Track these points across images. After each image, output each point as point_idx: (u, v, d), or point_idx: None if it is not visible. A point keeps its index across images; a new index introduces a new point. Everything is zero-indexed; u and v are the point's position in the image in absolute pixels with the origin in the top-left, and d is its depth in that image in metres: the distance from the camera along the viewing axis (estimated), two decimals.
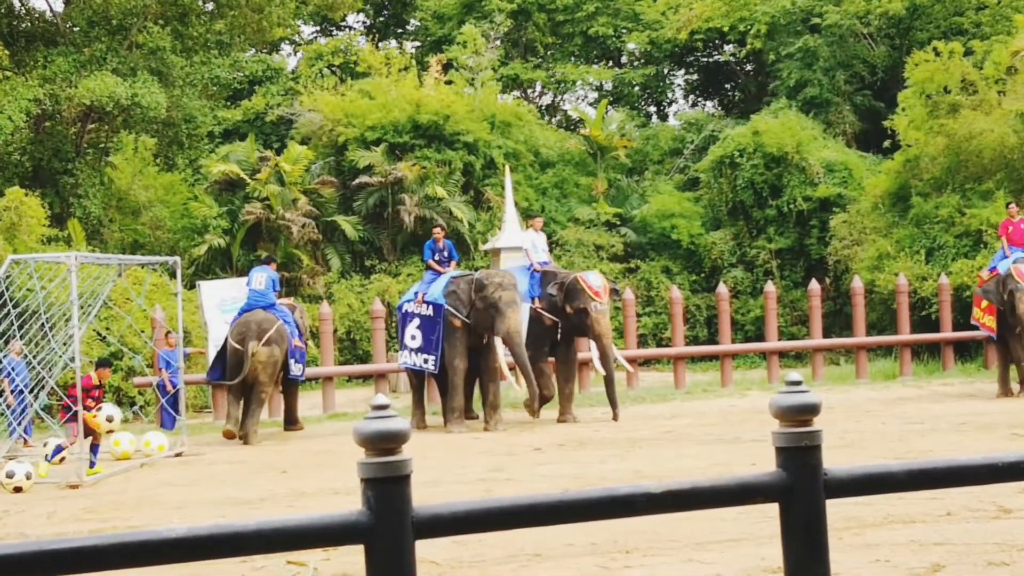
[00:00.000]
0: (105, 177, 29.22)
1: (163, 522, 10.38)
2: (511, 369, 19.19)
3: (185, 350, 19.64)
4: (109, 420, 14.85)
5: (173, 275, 18.83)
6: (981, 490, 9.14)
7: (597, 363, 19.06)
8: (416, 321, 18.75)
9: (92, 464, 14.73)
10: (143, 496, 12.62)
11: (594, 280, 18.81)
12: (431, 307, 18.58)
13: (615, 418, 18.31)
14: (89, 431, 14.78)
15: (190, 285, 23.87)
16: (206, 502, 11.87)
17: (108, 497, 12.64)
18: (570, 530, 8.11)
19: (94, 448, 14.99)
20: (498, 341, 18.39)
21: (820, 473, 3.99)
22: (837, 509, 6.71)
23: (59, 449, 15.19)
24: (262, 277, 18.45)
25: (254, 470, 14.47)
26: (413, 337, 18.79)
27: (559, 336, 19.03)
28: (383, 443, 3.58)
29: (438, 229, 20.23)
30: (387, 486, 3.56)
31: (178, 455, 16.32)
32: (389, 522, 3.54)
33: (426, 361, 18.67)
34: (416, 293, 19.06)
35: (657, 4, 41.14)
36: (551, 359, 19.43)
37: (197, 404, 22.65)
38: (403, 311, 19.17)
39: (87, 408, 14.74)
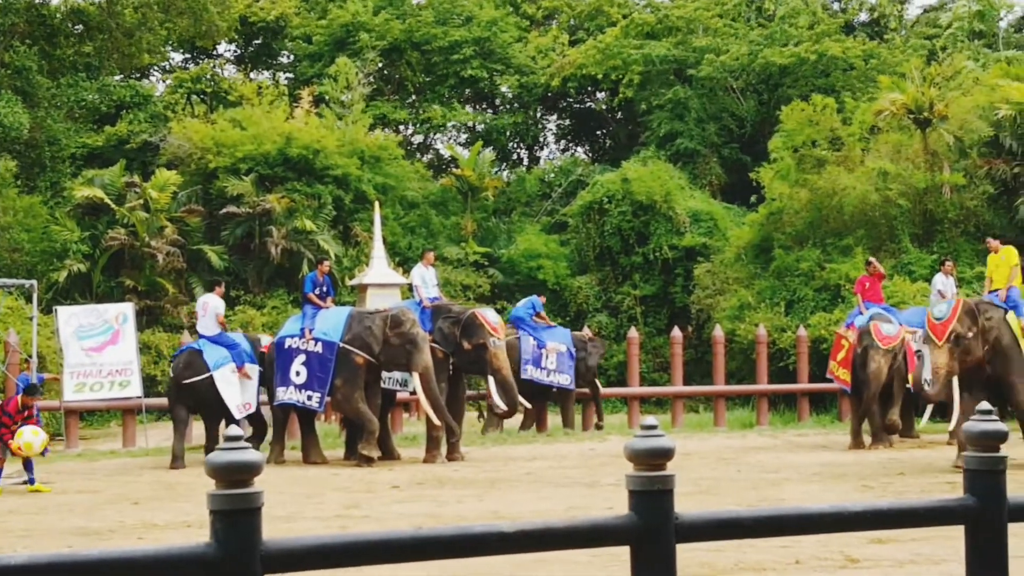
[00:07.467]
0: None
1: (6, 551, 10.10)
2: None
3: (40, 376, 19.20)
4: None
5: (29, 299, 18.44)
6: (830, 539, 9.29)
7: (496, 398, 19.04)
8: (302, 357, 18.35)
9: (31, 481, 15.35)
10: None
11: (492, 316, 18.98)
12: (320, 343, 18.31)
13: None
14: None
15: (47, 310, 23.34)
16: (53, 531, 11.58)
17: None
18: (423, 568, 8.06)
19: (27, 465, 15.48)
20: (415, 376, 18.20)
21: (671, 517, 4.02)
22: (689, 554, 6.77)
23: None
24: None
25: (104, 500, 14.17)
26: (298, 373, 18.47)
27: (451, 372, 18.97)
28: (234, 474, 3.54)
29: (326, 263, 19.99)
30: (237, 518, 3.51)
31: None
32: (237, 555, 3.49)
33: (310, 398, 18.29)
34: (302, 329, 18.69)
35: (527, 49, 41.43)
36: None
37: (49, 431, 22.06)
38: (285, 346, 18.64)
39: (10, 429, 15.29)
